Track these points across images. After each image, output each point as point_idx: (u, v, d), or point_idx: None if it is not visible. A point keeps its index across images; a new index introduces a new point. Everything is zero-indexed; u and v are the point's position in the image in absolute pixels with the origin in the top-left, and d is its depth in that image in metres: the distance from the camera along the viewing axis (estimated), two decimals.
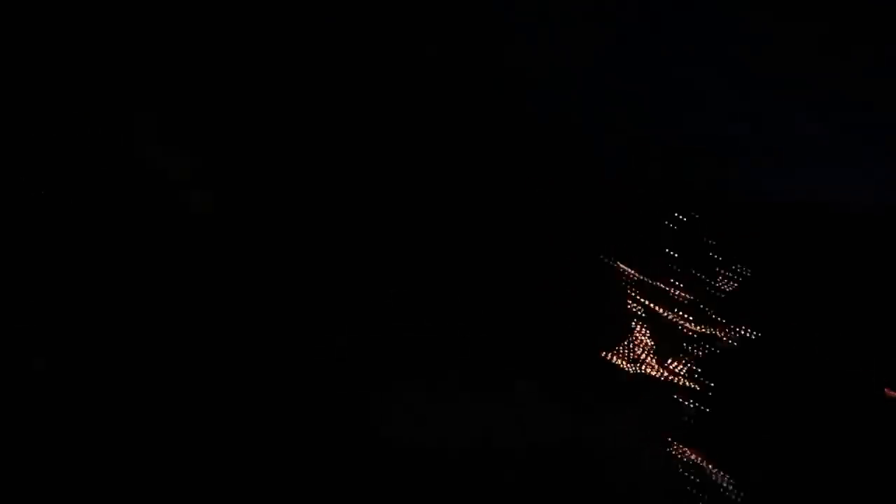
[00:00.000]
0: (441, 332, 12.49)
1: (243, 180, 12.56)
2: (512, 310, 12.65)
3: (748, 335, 12.24)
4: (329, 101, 12.78)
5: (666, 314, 12.38)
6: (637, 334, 12.44)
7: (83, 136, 12.37)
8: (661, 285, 12.38)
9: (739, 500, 11.73)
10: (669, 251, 12.40)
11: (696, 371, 12.29)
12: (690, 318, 12.35)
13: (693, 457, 12.03)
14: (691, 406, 12.20)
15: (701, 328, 12.31)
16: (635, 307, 12.47)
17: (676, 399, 12.28)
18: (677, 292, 12.36)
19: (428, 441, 11.90)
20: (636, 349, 12.42)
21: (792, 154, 12.32)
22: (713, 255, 12.33)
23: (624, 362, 12.43)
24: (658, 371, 12.36)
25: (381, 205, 12.78)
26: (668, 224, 12.40)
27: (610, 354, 12.44)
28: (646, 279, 12.39)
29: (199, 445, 11.48)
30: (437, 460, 11.81)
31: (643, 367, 12.39)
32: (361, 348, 12.27)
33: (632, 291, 12.45)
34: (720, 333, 12.29)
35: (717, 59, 12.12)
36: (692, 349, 12.31)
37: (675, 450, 12.07)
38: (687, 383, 12.28)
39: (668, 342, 12.38)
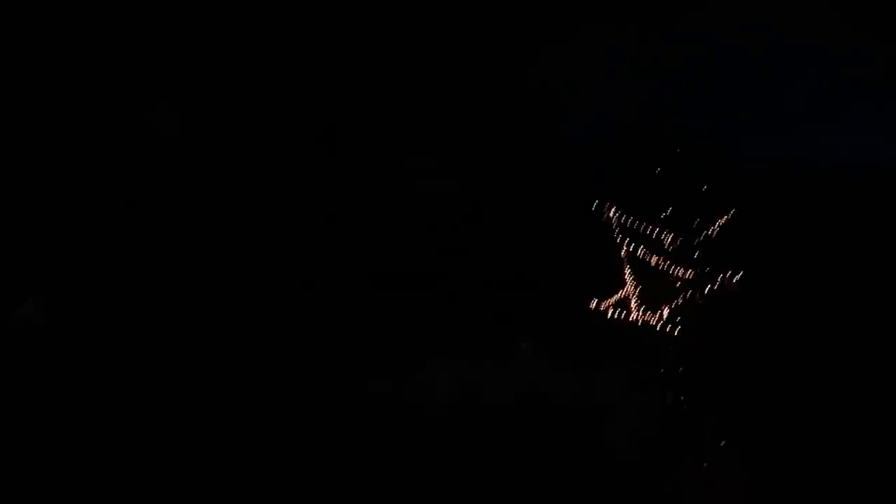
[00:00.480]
0: (430, 285, 12.64)
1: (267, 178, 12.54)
2: (501, 259, 12.74)
3: (737, 282, 12.35)
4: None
5: (656, 260, 12.46)
6: (627, 282, 12.56)
7: (87, 136, 12.27)
8: (652, 231, 12.43)
9: (729, 449, 12.04)
10: (660, 197, 12.39)
11: (686, 318, 12.45)
12: (680, 264, 12.44)
13: (682, 405, 12.31)
14: (681, 355, 12.41)
15: (691, 275, 12.40)
16: (625, 253, 12.55)
17: (666, 347, 12.48)
18: (668, 238, 12.41)
19: (417, 399, 12.23)
20: (626, 297, 12.56)
21: (784, 109, 12.27)
22: (704, 202, 12.32)
23: (613, 310, 12.58)
24: (647, 318, 12.53)
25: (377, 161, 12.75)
26: (659, 170, 12.36)
27: (599, 303, 12.58)
28: (636, 225, 12.42)
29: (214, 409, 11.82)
30: (428, 418, 12.14)
31: (632, 315, 12.56)
32: (356, 312, 12.45)
33: (622, 238, 12.50)
34: (710, 280, 12.39)
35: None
36: (682, 296, 12.43)
37: (664, 398, 12.34)
38: (677, 331, 12.45)
39: (657, 289, 12.51)
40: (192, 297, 12.33)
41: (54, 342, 11.94)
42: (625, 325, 12.58)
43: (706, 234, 12.40)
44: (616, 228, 12.53)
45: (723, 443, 12.06)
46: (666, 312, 12.48)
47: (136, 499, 10.92)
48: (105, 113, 12.60)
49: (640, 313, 12.54)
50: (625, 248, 12.54)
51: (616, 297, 12.58)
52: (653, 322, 12.51)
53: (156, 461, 11.29)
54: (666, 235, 12.43)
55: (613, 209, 12.53)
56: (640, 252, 12.51)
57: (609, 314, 12.57)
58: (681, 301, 12.46)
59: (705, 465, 12.07)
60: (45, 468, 10.99)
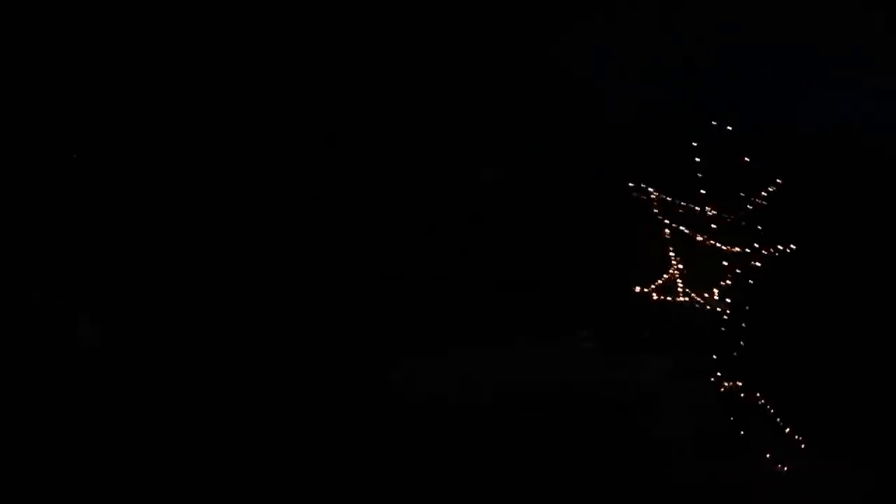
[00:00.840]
0: (473, 272, 12.27)
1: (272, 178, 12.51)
2: (542, 246, 12.32)
3: (786, 254, 11.70)
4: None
5: (699, 237, 11.85)
6: (670, 262, 11.95)
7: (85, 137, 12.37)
8: (694, 207, 11.87)
9: (790, 441, 11.24)
10: (703, 173, 11.88)
11: (736, 299, 11.77)
12: (728, 240, 11.82)
13: (733, 389, 11.55)
14: (733, 339, 11.69)
15: (737, 249, 11.76)
16: (667, 233, 11.98)
17: (717, 331, 11.78)
18: (713, 214, 11.82)
19: (462, 388, 11.76)
20: (670, 279, 11.94)
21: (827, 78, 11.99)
22: (748, 175, 11.80)
23: (660, 293, 11.95)
24: (696, 301, 11.86)
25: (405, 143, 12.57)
26: (698, 144, 11.90)
27: (645, 286, 11.97)
28: (677, 201, 11.88)
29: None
30: (472, 407, 11.63)
31: (680, 298, 11.91)
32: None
33: (663, 217, 11.96)
34: (761, 256, 11.74)
35: None
36: (728, 274, 11.78)
37: (714, 383, 11.59)
38: (727, 313, 11.76)
39: (702, 268, 11.87)
40: (213, 295, 12.09)
41: (55, 340, 11.74)
42: (672, 308, 11.93)
43: (753, 207, 11.82)
44: (658, 208, 12.01)
45: (783, 433, 11.25)
46: (716, 294, 11.82)
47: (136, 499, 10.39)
48: (109, 114, 12.63)
49: (688, 295, 11.89)
50: (668, 227, 11.98)
51: (662, 279, 11.96)
52: (702, 304, 11.84)
53: (157, 460, 10.84)
54: (710, 212, 11.86)
55: (654, 188, 12.04)
56: (684, 231, 11.93)
57: (655, 298, 11.94)
58: (730, 280, 11.81)
59: (765, 458, 11.22)
60: (47, 466, 10.61)
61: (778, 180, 11.72)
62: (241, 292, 12.08)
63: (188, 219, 12.31)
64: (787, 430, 11.32)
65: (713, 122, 11.83)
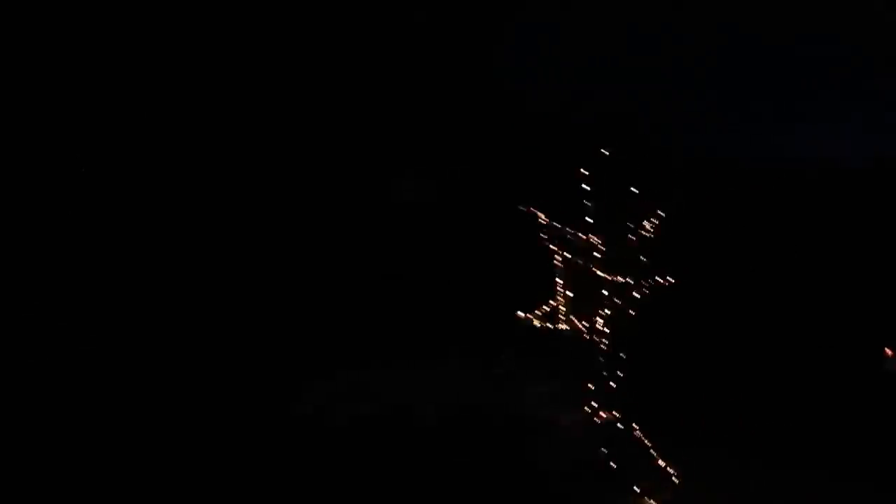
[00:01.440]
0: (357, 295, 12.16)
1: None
2: (425, 267, 12.23)
3: (670, 284, 11.70)
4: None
5: (586, 265, 11.78)
6: (556, 289, 11.88)
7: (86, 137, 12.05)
8: (581, 235, 11.79)
9: (666, 470, 11.29)
10: (590, 199, 11.80)
11: (615, 325, 11.74)
12: (611, 268, 11.77)
13: (613, 416, 11.56)
14: (611, 363, 11.68)
15: (622, 278, 11.72)
16: (554, 259, 11.90)
17: (595, 357, 11.75)
18: (598, 242, 11.75)
19: (348, 408, 11.70)
20: (555, 305, 11.87)
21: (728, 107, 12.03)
22: (635, 203, 11.76)
23: (542, 321, 11.89)
24: (577, 327, 11.82)
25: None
26: (590, 169, 11.81)
27: (527, 313, 11.89)
28: (565, 229, 11.79)
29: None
30: (356, 429, 11.58)
31: (562, 324, 11.85)
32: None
33: (550, 242, 11.87)
34: (641, 284, 11.71)
35: None
36: (612, 302, 11.74)
37: (595, 410, 11.59)
38: (606, 340, 11.74)
39: (587, 295, 11.82)
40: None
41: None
42: (556, 335, 11.88)
43: (637, 237, 11.78)
44: (549, 235, 11.91)
45: (657, 465, 11.31)
46: (598, 322, 11.77)
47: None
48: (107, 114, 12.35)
49: (572, 323, 11.84)
50: (558, 254, 11.88)
51: (549, 306, 11.89)
52: (585, 332, 11.80)
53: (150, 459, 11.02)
54: (598, 241, 11.78)
55: (546, 216, 11.93)
56: (572, 259, 11.84)
57: (541, 324, 11.88)
58: (612, 309, 11.76)
59: (638, 488, 11.30)
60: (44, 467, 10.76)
61: (660, 213, 11.69)
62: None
63: (149, 231, 12.12)
64: (662, 462, 11.37)
65: (605, 151, 11.71)
